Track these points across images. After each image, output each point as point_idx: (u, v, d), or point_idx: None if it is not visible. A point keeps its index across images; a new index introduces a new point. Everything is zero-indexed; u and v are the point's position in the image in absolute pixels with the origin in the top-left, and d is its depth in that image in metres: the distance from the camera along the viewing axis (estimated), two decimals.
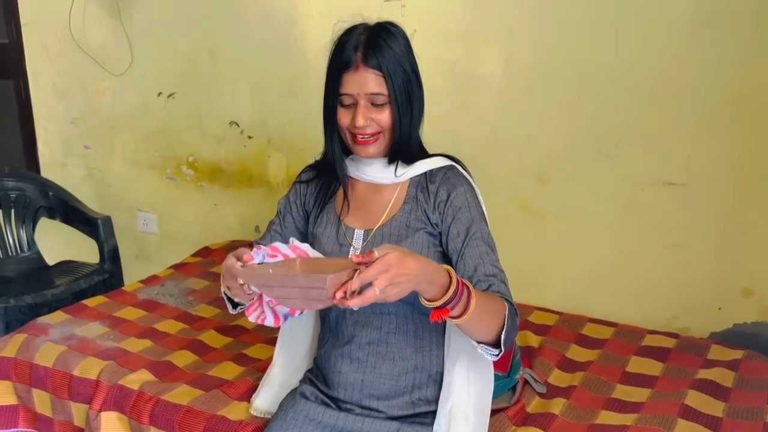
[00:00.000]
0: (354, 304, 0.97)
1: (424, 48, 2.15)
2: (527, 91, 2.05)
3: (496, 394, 1.58)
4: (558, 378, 1.70)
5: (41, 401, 1.76)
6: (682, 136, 1.87)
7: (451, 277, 1.06)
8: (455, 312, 1.07)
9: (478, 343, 1.16)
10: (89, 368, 1.70)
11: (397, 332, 1.31)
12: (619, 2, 1.87)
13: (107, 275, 2.64)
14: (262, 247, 1.16)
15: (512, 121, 2.09)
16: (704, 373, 1.66)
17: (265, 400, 1.50)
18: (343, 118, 1.26)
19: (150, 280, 2.29)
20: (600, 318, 2.00)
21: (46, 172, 3.18)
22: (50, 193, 2.77)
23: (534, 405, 1.59)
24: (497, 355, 1.16)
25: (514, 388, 1.61)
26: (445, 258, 1.29)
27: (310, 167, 1.44)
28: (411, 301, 1.26)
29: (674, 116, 1.87)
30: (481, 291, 1.14)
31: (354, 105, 1.24)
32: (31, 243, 2.76)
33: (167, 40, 2.69)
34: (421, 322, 1.31)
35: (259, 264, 1.12)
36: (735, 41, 1.76)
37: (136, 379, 1.64)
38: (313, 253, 1.21)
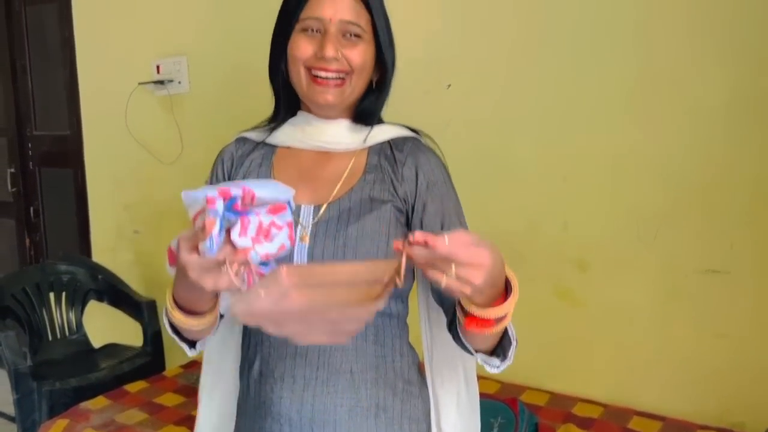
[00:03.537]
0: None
1: (459, 136, 2.22)
2: (563, 178, 2.07)
3: None
4: None
5: None
6: (724, 223, 1.84)
7: (509, 284, 0.83)
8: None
9: (476, 351, 0.95)
10: None
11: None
12: (652, 88, 1.89)
13: (150, 358, 2.68)
14: (216, 198, 0.77)
15: (549, 208, 2.09)
16: None
17: None
18: (303, 47, 1.00)
19: (190, 366, 2.32)
20: (647, 411, 1.92)
21: (97, 256, 3.30)
22: (100, 277, 2.87)
23: None
24: (498, 367, 0.95)
25: None
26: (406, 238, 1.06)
27: (239, 141, 1.16)
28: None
29: (715, 203, 1.85)
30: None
31: (319, 33, 1.00)
32: (79, 326, 2.84)
33: (215, 131, 2.81)
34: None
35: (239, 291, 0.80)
36: None
37: None
38: (261, 191, 0.83)
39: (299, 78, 1.03)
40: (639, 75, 1.91)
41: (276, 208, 0.84)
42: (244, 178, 1.11)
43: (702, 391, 1.92)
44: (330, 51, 0.98)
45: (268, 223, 0.82)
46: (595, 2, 1.95)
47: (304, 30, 1.00)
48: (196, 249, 0.79)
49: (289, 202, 0.86)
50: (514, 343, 0.93)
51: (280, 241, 0.83)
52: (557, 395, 2.05)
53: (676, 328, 1.94)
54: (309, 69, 1.01)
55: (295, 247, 1.01)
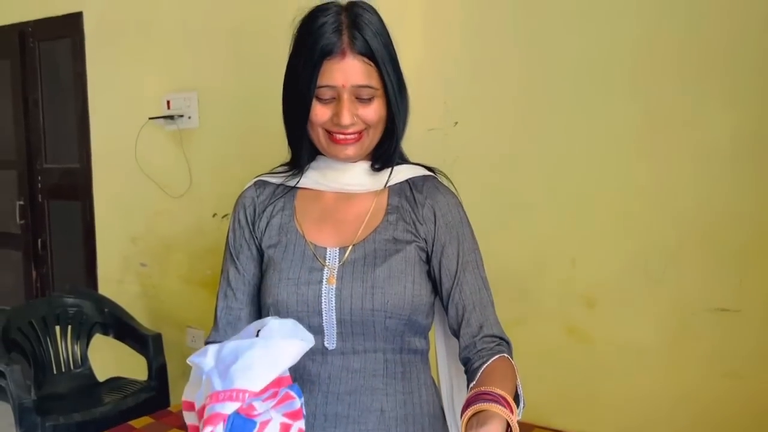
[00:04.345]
0: None
1: (466, 174, 2.24)
2: (571, 215, 2.07)
3: None
4: None
5: None
6: (731, 261, 1.84)
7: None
8: None
9: None
10: None
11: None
12: (658, 129, 1.90)
13: (154, 393, 2.66)
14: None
15: (556, 245, 2.10)
16: None
17: None
18: (320, 114, 1.03)
19: None
20: None
21: (103, 288, 3.30)
22: (106, 310, 2.87)
23: None
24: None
25: None
26: (429, 275, 1.10)
27: (258, 184, 1.17)
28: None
29: (721, 241, 1.85)
30: (509, 387, 0.95)
31: (334, 99, 1.02)
32: (84, 359, 2.83)
33: (223, 166, 2.86)
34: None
35: None
36: None
37: None
38: (261, 378, 0.82)
39: (318, 138, 1.06)
40: (645, 116, 1.93)
41: (284, 398, 0.84)
42: (267, 224, 1.12)
43: (711, 430, 1.89)
44: (345, 119, 1.01)
45: None
46: (597, 44, 1.98)
47: (319, 97, 1.02)
48: None
49: (297, 389, 0.85)
50: (522, 403, 0.98)
51: None
52: None
53: (685, 366, 1.92)
54: (327, 130, 1.05)
55: (323, 291, 1.04)
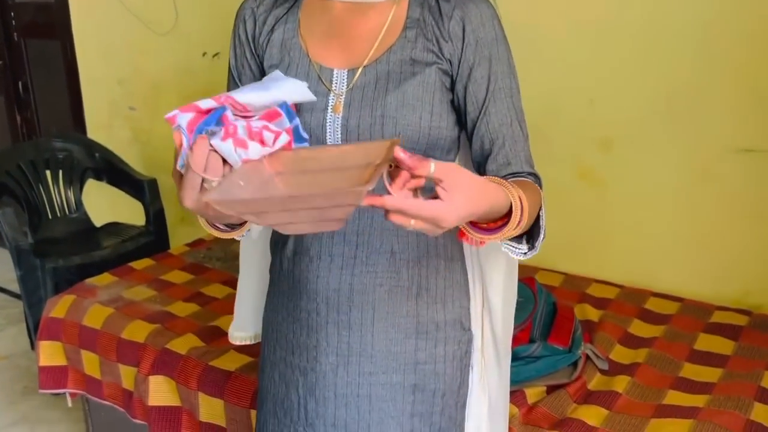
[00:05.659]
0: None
1: None
2: (591, 51, 1.93)
3: (556, 368, 1.51)
4: (620, 354, 1.62)
5: (90, 363, 1.76)
6: (761, 100, 1.73)
7: (510, 206, 0.80)
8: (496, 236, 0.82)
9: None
10: (137, 331, 1.68)
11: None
12: None
13: (153, 237, 2.63)
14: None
15: (574, 83, 1.97)
16: None
17: (240, 327, 1.26)
18: None
19: (196, 244, 2.27)
20: (665, 292, 1.89)
21: (92, 134, 3.17)
22: (97, 155, 2.77)
23: (595, 382, 1.51)
24: (525, 254, 0.91)
25: (575, 364, 1.53)
26: (453, 105, 0.96)
27: None
28: None
29: (752, 78, 1.73)
30: (529, 193, 0.85)
31: None
32: (79, 204, 2.77)
33: None
34: None
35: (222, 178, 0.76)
36: None
37: (184, 344, 1.61)
38: (250, 96, 0.79)
39: None
40: None
41: (270, 115, 0.79)
42: (268, 39, 0.99)
43: (723, 273, 1.88)
44: None
45: (259, 126, 0.77)
46: None
47: None
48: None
49: (286, 107, 0.80)
50: (542, 235, 0.89)
51: (280, 145, 0.78)
52: (571, 276, 2.01)
53: (701, 209, 1.87)
54: None
55: (328, 120, 0.93)
